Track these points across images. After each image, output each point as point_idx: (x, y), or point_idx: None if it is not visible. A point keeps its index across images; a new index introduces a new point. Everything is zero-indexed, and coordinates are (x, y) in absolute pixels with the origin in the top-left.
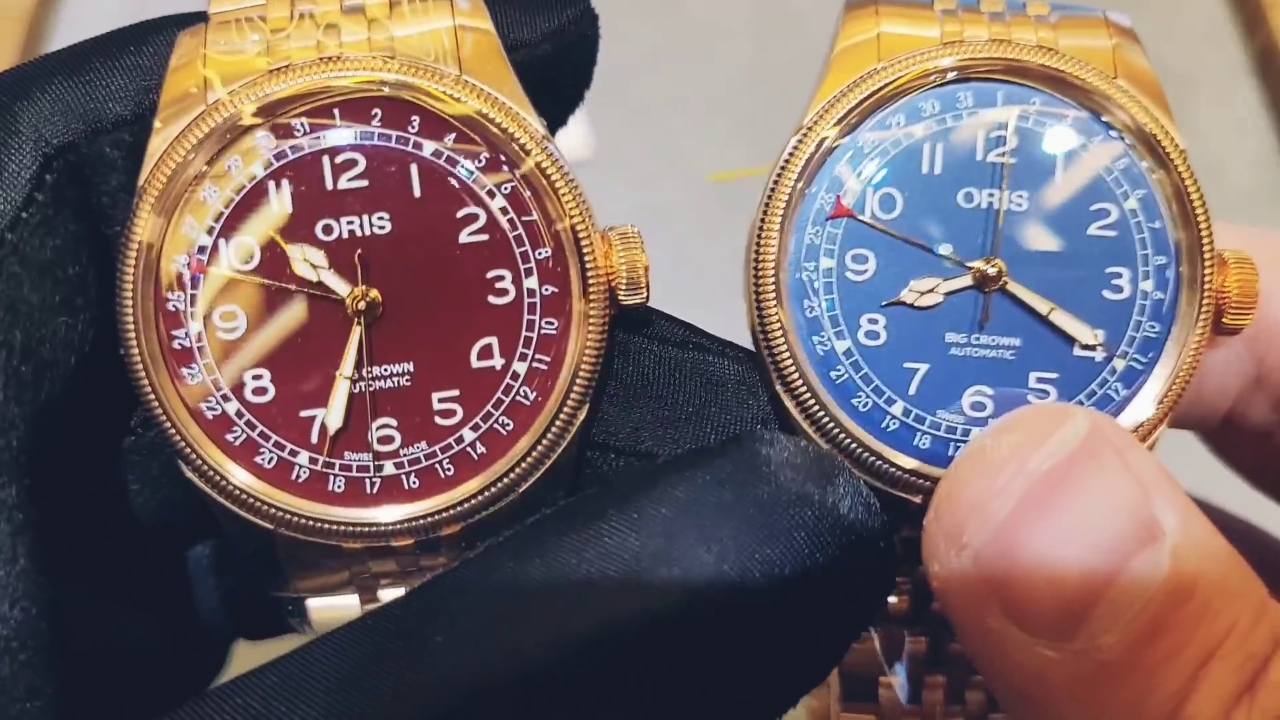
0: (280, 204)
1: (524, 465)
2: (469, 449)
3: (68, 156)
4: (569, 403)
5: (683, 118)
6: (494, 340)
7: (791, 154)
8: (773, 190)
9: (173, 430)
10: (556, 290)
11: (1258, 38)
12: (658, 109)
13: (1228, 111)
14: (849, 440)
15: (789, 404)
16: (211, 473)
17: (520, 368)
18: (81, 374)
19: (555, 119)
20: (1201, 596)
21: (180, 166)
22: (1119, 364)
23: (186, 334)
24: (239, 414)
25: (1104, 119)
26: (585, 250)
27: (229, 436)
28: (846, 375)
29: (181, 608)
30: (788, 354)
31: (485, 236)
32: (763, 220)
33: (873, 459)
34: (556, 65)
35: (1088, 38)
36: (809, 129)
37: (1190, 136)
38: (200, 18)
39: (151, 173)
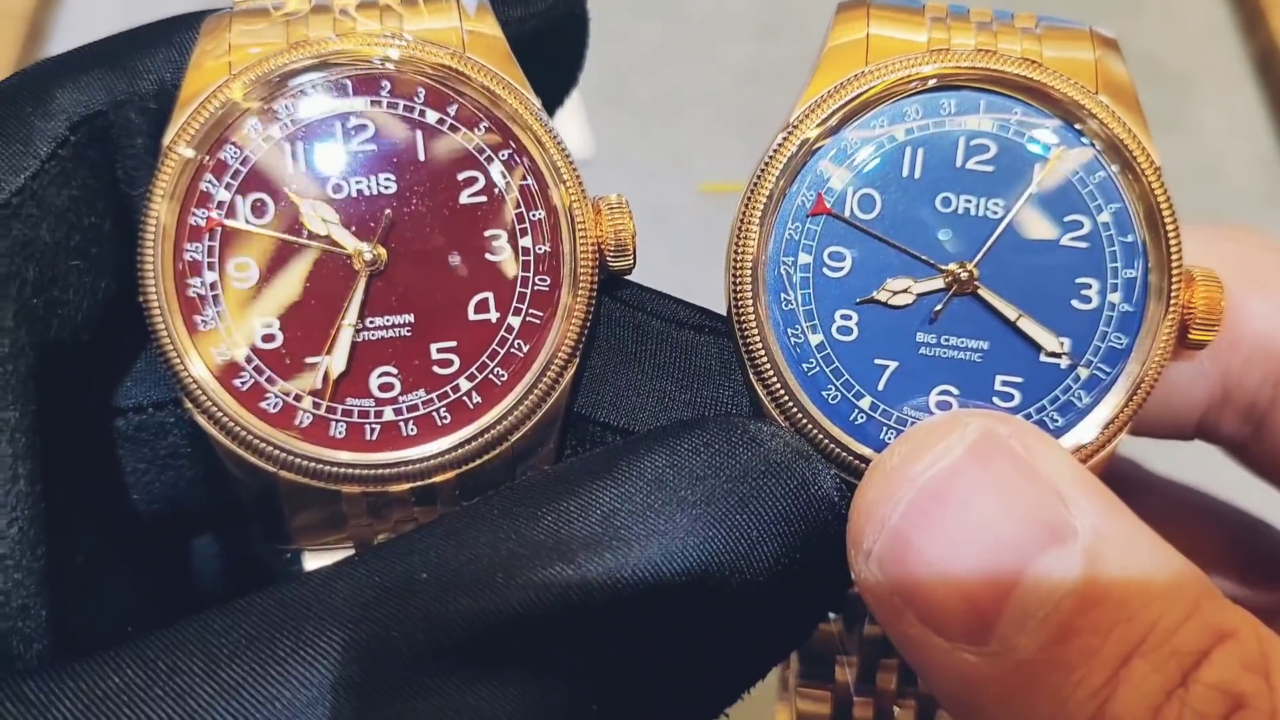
0: (295, 164)
1: (516, 414)
2: (464, 398)
3: (94, 122)
4: (559, 356)
5: (683, 117)
6: (490, 295)
7: (776, 150)
8: (755, 184)
9: (185, 373)
10: (549, 250)
11: (1257, 38)
12: (658, 109)
13: (1228, 111)
14: (816, 431)
15: (760, 392)
16: (220, 414)
17: (514, 321)
18: (92, 325)
19: (551, 97)
20: (1119, 595)
21: (203, 128)
22: (1083, 372)
23: (202, 283)
24: (248, 359)
25: (1082, 132)
26: (577, 215)
27: (237, 381)
28: (818, 368)
29: (178, 574)
30: (760, 345)
31: (484, 198)
32: (744, 213)
33: (839, 450)
34: (547, 40)
35: (1071, 50)
36: (794, 127)
37: (1190, 136)
38: (227, 9)
39: (177, 133)
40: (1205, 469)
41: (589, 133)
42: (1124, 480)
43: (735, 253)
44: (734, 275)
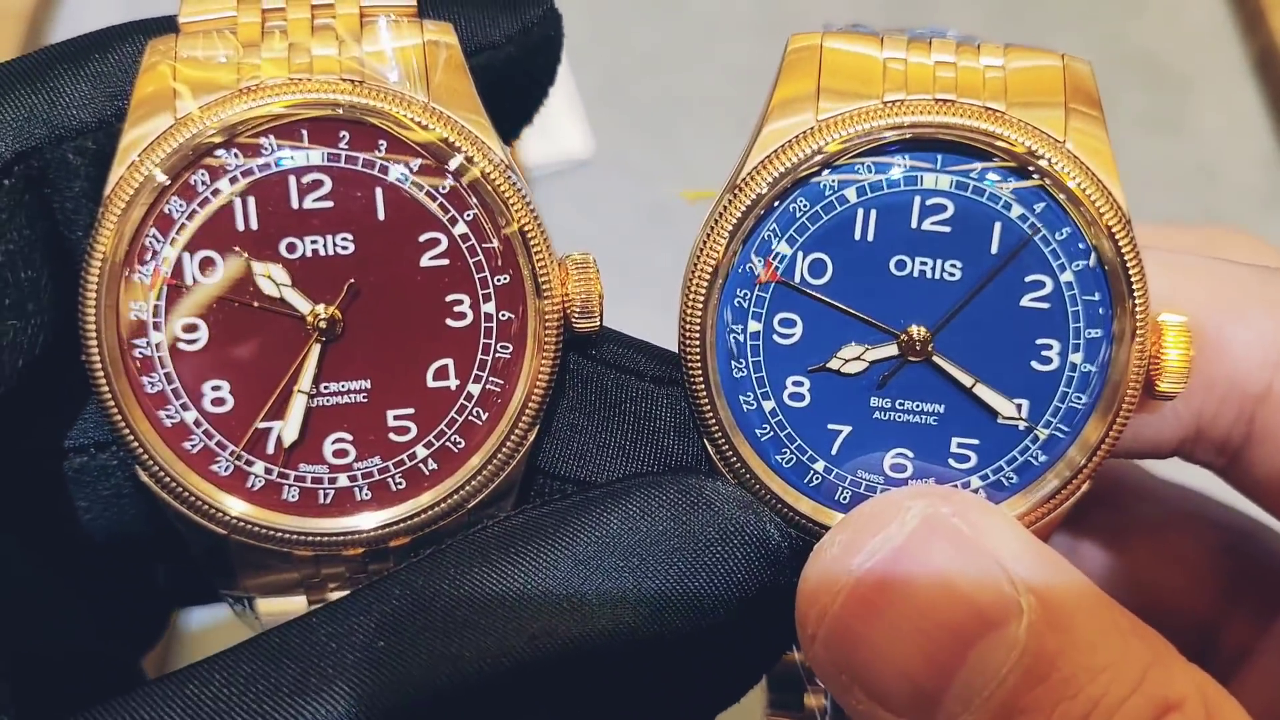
0: (245, 220)
1: (474, 483)
2: (421, 465)
3: (30, 162)
4: (520, 424)
5: (683, 118)
6: (450, 362)
7: (722, 213)
8: (701, 250)
9: (130, 436)
10: (513, 316)
11: (1258, 38)
12: (658, 109)
13: (1228, 111)
14: (770, 496)
15: (714, 456)
16: (167, 479)
17: (475, 389)
18: (29, 374)
19: (520, 117)
20: (1064, 672)
21: (146, 181)
22: (1042, 433)
23: (148, 343)
24: (197, 423)
25: (1045, 187)
26: (542, 278)
27: (186, 444)
28: (771, 433)
29: (136, 600)
30: (712, 412)
31: (446, 261)
32: (691, 279)
33: (792, 513)
34: (521, 66)
35: (1037, 59)
36: (740, 188)
37: (1190, 136)
38: (169, 25)
39: (117, 186)
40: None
41: (589, 133)
42: (1121, 485)
43: (685, 319)
44: (684, 342)
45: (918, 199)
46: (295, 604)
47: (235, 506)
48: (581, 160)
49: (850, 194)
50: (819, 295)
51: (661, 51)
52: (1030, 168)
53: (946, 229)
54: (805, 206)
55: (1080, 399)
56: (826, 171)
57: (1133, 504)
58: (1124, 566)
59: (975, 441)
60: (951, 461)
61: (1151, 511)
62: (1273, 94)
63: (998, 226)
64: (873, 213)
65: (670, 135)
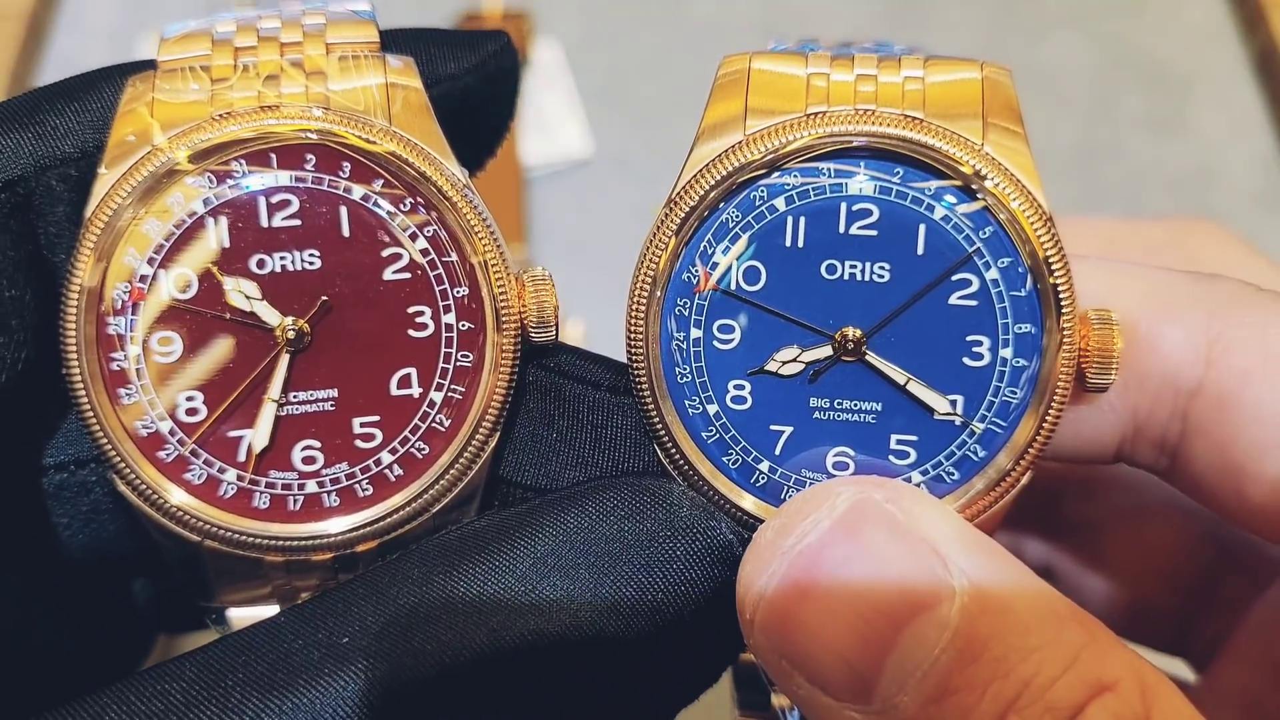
0: (218, 238)
1: (438, 487)
2: (386, 470)
3: (15, 189)
4: (481, 429)
5: (683, 119)
6: (413, 370)
7: (659, 227)
8: (642, 262)
9: (108, 445)
10: (472, 326)
11: (1258, 38)
12: (658, 109)
13: (1228, 111)
14: (719, 497)
15: (664, 461)
16: (144, 487)
17: (437, 396)
18: (10, 392)
19: (483, 148)
20: (996, 652)
21: (120, 208)
22: (978, 427)
23: (125, 356)
24: (171, 432)
25: (966, 188)
26: (499, 289)
27: (161, 453)
28: (717, 435)
29: (107, 607)
30: (659, 418)
31: (408, 275)
32: (634, 291)
33: (741, 513)
34: (479, 96)
35: (956, 71)
36: (675, 202)
37: (1190, 136)
38: (150, 66)
39: (95, 210)
40: None
41: (589, 133)
42: (1095, 475)
43: (629, 330)
44: (630, 351)
45: (844, 205)
46: (268, 614)
47: (208, 514)
48: (581, 160)
49: (780, 202)
50: (754, 301)
51: (661, 52)
52: (951, 170)
53: (873, 233)
54: (737, 216)
55: (1014, 393)
56: (756, 181)
57: (1108, 494)
58: (1100, 558)
59: (914, 438)
60: (892, 458)
61: (1127, 501)
62: (1273, 94)
63: (922, 228)
64: (802, 219)
65: (670, 135)
